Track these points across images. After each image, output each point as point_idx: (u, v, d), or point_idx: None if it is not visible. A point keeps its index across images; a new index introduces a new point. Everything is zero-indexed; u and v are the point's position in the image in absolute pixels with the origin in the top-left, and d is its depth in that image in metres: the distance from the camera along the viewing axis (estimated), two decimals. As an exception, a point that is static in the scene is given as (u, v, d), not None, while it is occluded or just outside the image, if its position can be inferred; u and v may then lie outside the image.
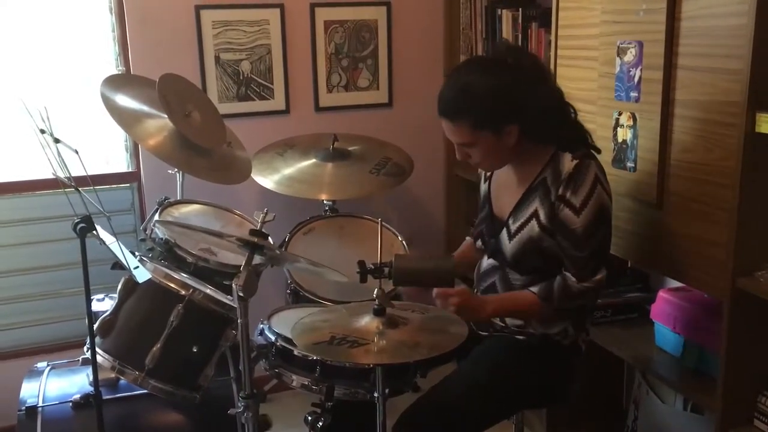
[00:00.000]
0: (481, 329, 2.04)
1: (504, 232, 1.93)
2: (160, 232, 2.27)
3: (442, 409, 1.87)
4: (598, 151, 1.91)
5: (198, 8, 2.93)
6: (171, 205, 2.49)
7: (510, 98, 1.80)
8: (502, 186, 2.01)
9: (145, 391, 2.02)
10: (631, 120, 2.11)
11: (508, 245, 1.91)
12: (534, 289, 1.87)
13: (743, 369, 1.87)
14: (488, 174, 2.08)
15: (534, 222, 1.86)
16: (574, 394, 2.01)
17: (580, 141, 1.89)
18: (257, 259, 1.82)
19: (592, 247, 1.82)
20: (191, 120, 2.46)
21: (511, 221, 1.92)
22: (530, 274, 1.90)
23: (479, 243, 2.08)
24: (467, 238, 2.24)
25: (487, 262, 2.03)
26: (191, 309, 2.01)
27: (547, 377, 1.96)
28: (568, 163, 1.82)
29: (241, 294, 1.75)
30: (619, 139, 2.17)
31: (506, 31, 2.91)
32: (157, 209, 2.43)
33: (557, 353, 1.95)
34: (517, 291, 1.92)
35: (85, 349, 2.02)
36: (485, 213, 2.05)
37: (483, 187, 2.10)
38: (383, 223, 1.90)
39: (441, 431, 1.87)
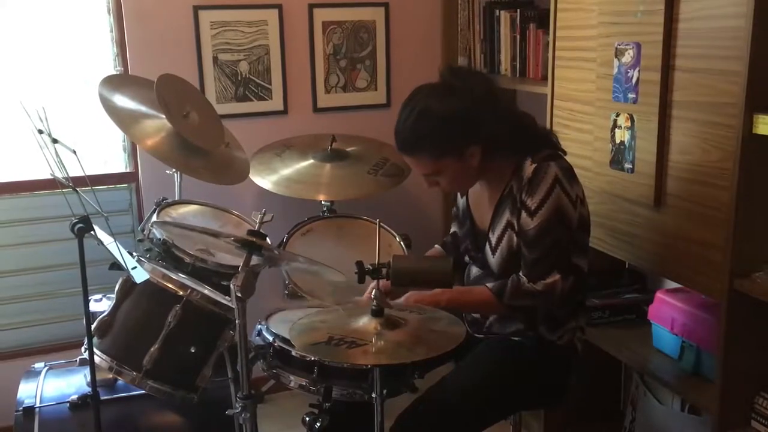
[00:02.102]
0: (477, 332, 2.04)
1: (487, 245, 1.94)
2: (158, 233, 2.27)
3: (440, 410, 1.87)
4: (564, 152, 1.90)
5: (196, 9, 2.92)
6: (169, 205, 2.49)
7: (465, 121, 1.79)
8: (479, 199, 2.01)
9: (143, 391, 2.02)
10: (629, 121, 2.11)
11: (492, 259, 1.92)
12: (489, 284, 1.88)
13: (740, 370, 1.87)
14: None
15: (510, 232, 1.87)
16: (570, 393, 2.01)
17: (542, 145, 1.88)
18: (255, 260, 1.82)
19: (543, 249, 1.80)
20: (189, 120, 2.46)
21: (491, 234, 1.92)
22: None
23: (467, 258, 2.08)
24: (436, 245, 2.25)
25: (476, 269, 2.04)
26: (189, 309, 2.01)
27: (544, 378, 1.96)
28: (528, 168, 1.82)
29: (239, 295, 1.75)
30: (617, 141, 2.17)
31: (504, 33, 2.91)
32: (154, 209, 2.43)
33: (553, 353, 1.95)
34: (475, 286, 1.94)
35: (82, 349, 2.02)
36: (467, 228, 2.06)
37: (461, 201, 2.11)
38: (381, 223, 1.90)
39: (441, 431, 1.87)
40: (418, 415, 1.88)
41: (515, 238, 1.86)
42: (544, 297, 1.82)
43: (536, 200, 1.79)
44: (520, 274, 1.84)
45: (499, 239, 1.89)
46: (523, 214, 1.81)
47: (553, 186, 1.78)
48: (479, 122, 1.80)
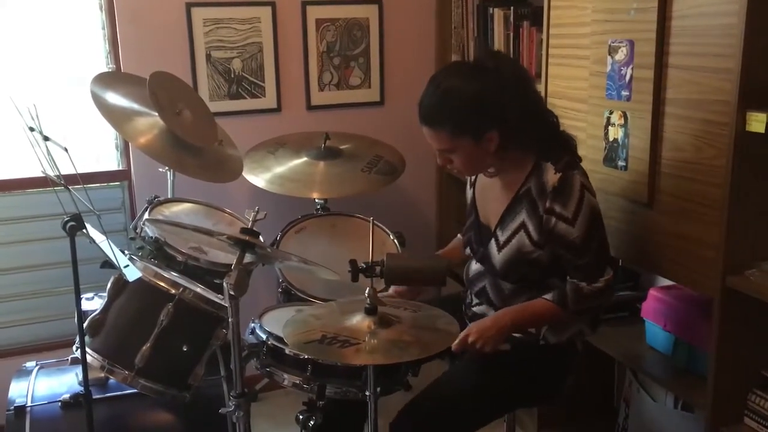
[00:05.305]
0: None
1: (492, 242, 1.93)
2: (150, 231, 2.26)
3: (441, 407, 1.86)
4: (580, 159, 1.91)
5: (189, 6, 2.91)
6: (161, 203, 2.48)
7: (491, 105, 1.79)
8: (487, 193, 2.01)
9: (135, 390, 2.01)
10: (623, 119, 2.12)
11: (497, 256, 1.91)
12: (548, 296, 1.87)
13: (733, 367, 1.88)
14: (473, 180, 2.09)
15: (523, 234, 1.86)
16: (567, 390, 2.01)
17: (561, 148, 1.88)
18: (248, 258, 1.81)
19: (594, 252, 1.83)
20: (182, 118, 2.45)
21: (499, 232, 1.92)
22: (519, 282, 1.91)
23: (468, 250, 2.08)
24: (459, 235, 2.24)
25: (475, 266, 2.03)
26: (181, 308, 2.00)
27: (544, 375, 1.96)
28: (551, 175, 1.81)
29: (232, 293, 1.74)
30: (611, 138, 2.17)
31: (498, 30, 2.91)
32: (146, 207, 2.42)
33: (554, 352, 1.96)
34: (532, 300, 1.90)
35: (74, 348, 2.01)
36: (472, 220, 2.05)
37: (469, 192, 2.10)
38: (375, 221, 1.90)
39: (439, 429, 1.86)
40: (418, 413, 1.87)
41: (527, 241, 1.85)
42: (606, 293, 1.86)
43: (572, 209, 1.79)
44: (574, 280, 1.84)
45: (509, 238, 1.89)
46: (561, 224, 1.80)
47: (583, 192, 1.80)
48: (504, 109, 1.79)
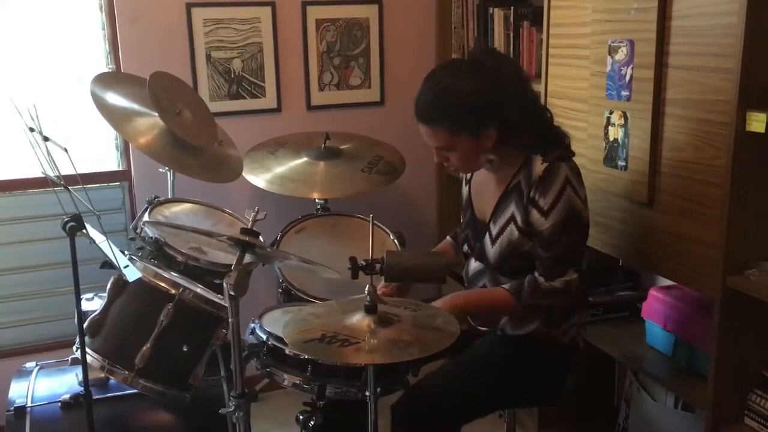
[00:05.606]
0: (480, 325, 2.03)
1: (487, 236, 1.93)
2: (150, 231, 2.26)
3: (439, 396, 1.87)
4: (573, 154, 1.91)
5: (189, 6, 2.91)
6: (161, 204, 2.48)
7: (489, 102, 1.79)
8: (482, 189, 2.01)
9: (135, 390, 2.01)
10: (623, 119, 2.12)
11: (491, 249, 1.92)
12: (506, 285, 1.88)
13: (734, 367, 1.88)
14: (468, 177, 2.09)
15: (512, 226, 1.87)
16: (567, 390, 2.01)
17: (555, 144, 1.88)
18: (248, 258, 1.81)
19: (559, 249, 1.81)
20: (182, 118, 2.45)
21: (492, 225, 1.92)
22: (515, 276, 1.91)
23: (465, 247, 2.08)
24: (447, 237, 2.25)
25: (474, 265, 2.04)
26: (181, 308, 2.00)
27: (544, 374, 1.96)
28: (538, 166, 1.82)
29: (232, 293, 1.74)
30: (611, 138, 2.17)
31: (498, 30, 2.91)
32: (146, 208, 2.42)
33: (555, 351, 1.96)
34: (490, 287, 1.93)
35: (74, 348, 2.01)
36: (468, 217, 2.06)
37: (464, 190, 2.11)
38: (375, 221, 1.89)
39: (436, 418, 1.86)
40: (415, 404, 1.88)
41: (516, 232, 1.86)
42: (562, 294, 1.83)
43: (549, 200, 1.79)
44: (536, 274, 1.84)
45: (500, 231, 1.89)
46: (536, 214, 1.81)
47: (564, 186, 1.79)
48: (501, 105, 1.80)
